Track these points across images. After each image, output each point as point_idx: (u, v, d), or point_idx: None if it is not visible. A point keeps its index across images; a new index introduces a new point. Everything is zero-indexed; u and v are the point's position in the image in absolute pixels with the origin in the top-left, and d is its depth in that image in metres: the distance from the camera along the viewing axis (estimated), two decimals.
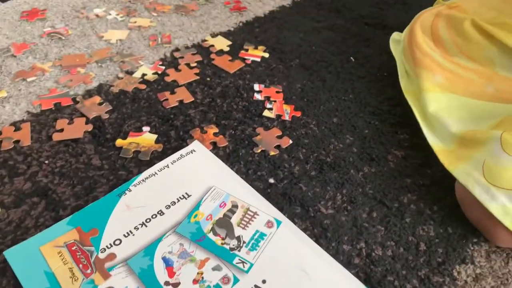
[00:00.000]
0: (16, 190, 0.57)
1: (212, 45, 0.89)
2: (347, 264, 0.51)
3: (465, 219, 0.57)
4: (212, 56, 0.86)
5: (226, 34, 0.93)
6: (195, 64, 0.83)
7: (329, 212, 0.57)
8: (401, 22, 0.83)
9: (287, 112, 0.73)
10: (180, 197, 0.55)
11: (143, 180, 0.58)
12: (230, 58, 0.86)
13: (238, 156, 0.64)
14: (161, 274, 0.47)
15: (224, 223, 0.52)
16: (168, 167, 0.60)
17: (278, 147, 0.66)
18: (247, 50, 0.88)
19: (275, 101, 0.75)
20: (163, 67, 0.82)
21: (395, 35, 0.84)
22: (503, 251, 0.54)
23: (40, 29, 0.91)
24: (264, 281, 0.47)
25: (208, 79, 0.80)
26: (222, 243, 0.50)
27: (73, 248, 0.49)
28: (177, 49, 0.87)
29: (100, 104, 0.72)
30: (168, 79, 0.79)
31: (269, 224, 0.53)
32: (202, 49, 0.88)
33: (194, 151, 0.63)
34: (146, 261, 0.48)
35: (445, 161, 0.58)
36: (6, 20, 0.94)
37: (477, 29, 0.65)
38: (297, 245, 0.51)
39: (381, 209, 0.58)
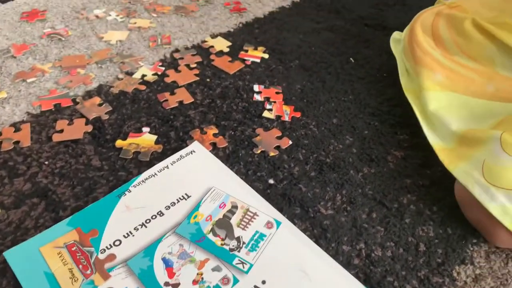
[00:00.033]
0: (16, 191, 0.57)
1: (212, 46, 0.89)
2: (347, 264, 0.51)
3: (465, 220, 0.57)
4: (212, 57, 0.86)
5: (226, 35, 0.94)
6: (195, 65, 0.83)
7: (329, 213, 0.57)
8: (400, 23, 0.83)
9: (287, 113, 0.73)
10: (179, 198, 0.55)
11: (143, 181, 0.58)
12: (229, 59, 0.86)
13: (238, 156, 0.64)
14: (161, 275, 0.47)
15: (223, 224, 0.52)
16: (168, 168, 0.60)
17: (277, 147, 0.67)
18: (246, 51, 0.89)
19: (274, 102, 0.75)
20: (163, 68, 0.82)
21: (395, 35, 0.84)
22: (502, 252, 0.54)
23: (40, 30, 0.91)
24: (263, 282, 0.47)
25: (208, 80, 0.80)
26: (221, 244, 0.50)
27: (73, 249, 0.49)
28: (177, 50, 0.87)
29: (100, 105, 0.72)
30: (168, 80, 0.79)
31: (268, 225, 0.53)
32: (202, 50, 0.88)
33: (193, 152, 0.63)
34: (146, 262, 0.48)
35: (445, 160, 0.58)
36: (6, 21, 0.94)
37: (477, 29, 0.66)
38: (297, 246, 0.51)
39: (381, 210, 0.58)
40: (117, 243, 0.50)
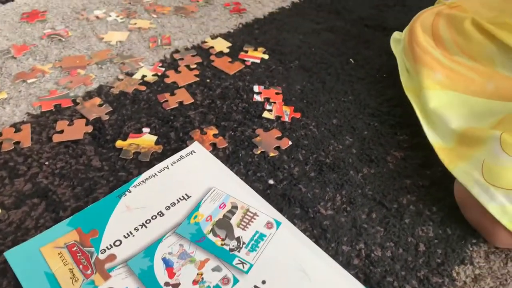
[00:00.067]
0: (17, 191, 0.57)
1: (212, 47, 0.89)
2: (347, 264, 0.51)
3: (464, 220, 0.57)
4: (212, 57, 0.86)
5: (226, 36, 0.94)
6: (195, 66, 0.83)
7: (329, 213, 0.57)
8: (400, 24, 0.83)
9: (287, 113, 0.73)
10: (180, 198, 0.55)
11: (143, 181, 0.58)
12: (229, 59, 0.86)
13: (238, 157, 0.65)
14: (161, 275, 0.47)
15: (224, 224, 0.53)
16: (168, 168, 0.60)
17: (277, 148, 0.67)
18: (246, 51, 0.89)
19: (274, 103, 0.75)
20: (163, 69, 0.82)
21: (395, 35, 0.84)
22: (502, 252, 0.54)
23: (40, 31, 0.91)
24: (263, 282, 0.47)
25: (208, 80, 0.80)
26: (222, 244, 0.50)
27: (73, 249, 0.49)
28: (177, 51, 0.87)
29: (100, 105, 0.72)
30: (168, 80, 0.79)
31: (268, 225, 0.53)
32: (202, 51, 0.88)
33: (194, 152, 0.63)
34: (146, 262, 0.48)
35: (445, 159, 0.58)
36: (6, 21, 0.94)
37: (477, 29, 0.66)
38: (297, 246, 0.51)
39: (381, 210, 0.58)
40: (117, 243, 0.50)
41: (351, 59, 0.89)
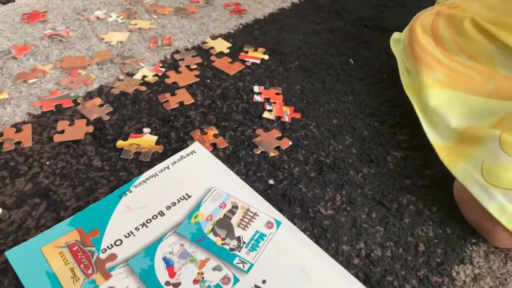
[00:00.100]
0: (18, 191, 0.58)
1: (212, 47, 0.89)
2: (347, 264, 0.51)
3: (464, 220, 0.57)
4: (212, 58, 0.86)
5: (226, 36, 0.94)
6: (195, 66, 0.83)
7: (329, 213, 0.57)
8: (400, 24, 0.83)
9: (287, 113, 0.74)
10: (180, 198, 0.56)
11: (143, 181, 0.58)
12: (230, 60, 0.86)
13: (238, 157, 0.65)
14: (161, 274, 0.47)
15: (224, 224, 0.53)
16: (168, 168, 0.60)
17: (278, 148, 0.67)
18: (247, 52, 0.89)
19: (274, 103, 0.76)
20: (164, 69, 0.82)
21: (395, 35, 0.85)
22: (501, 252, 0.54)
23: (41, 31, 0.92)
24: (264, 281, 0.47)
25: (208, 81, 0.80)
26: (222, 244, 0.50)
27: (74, 249, 0.49)
28: (177, 51, 0.88)
29: (100, 105, 0.72)
30: (168, 81, 0.79)
31: (269, 225, 0.53)
32: (202, 51, 0.88)
33: (194, 152, 0.63)
34: (146, 262, 0.48)
35: (445, 158, 0.58)
36: (7, 22, 0.94)
37: (477, 28, 0.66)
38: (297, 246, 0.51)
39: (380, 210, 0.58)
40: (118, 243, 0.50)
41: (350, 60, 0.89)
